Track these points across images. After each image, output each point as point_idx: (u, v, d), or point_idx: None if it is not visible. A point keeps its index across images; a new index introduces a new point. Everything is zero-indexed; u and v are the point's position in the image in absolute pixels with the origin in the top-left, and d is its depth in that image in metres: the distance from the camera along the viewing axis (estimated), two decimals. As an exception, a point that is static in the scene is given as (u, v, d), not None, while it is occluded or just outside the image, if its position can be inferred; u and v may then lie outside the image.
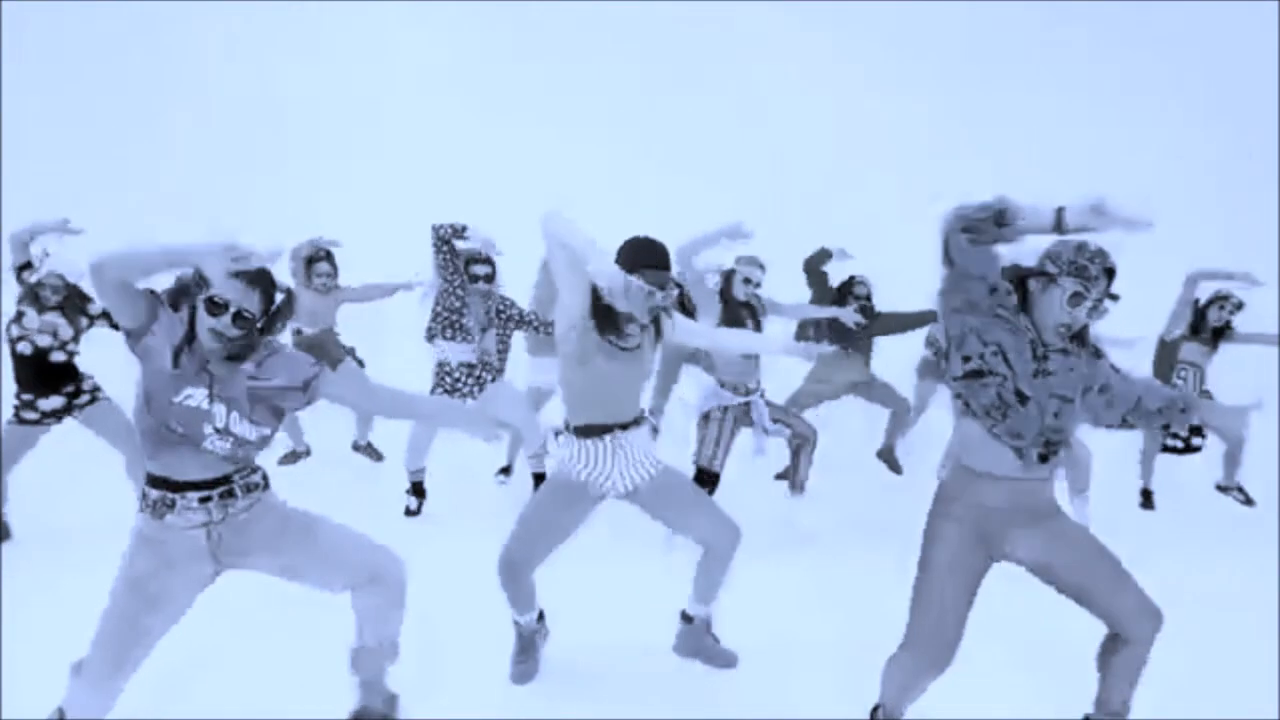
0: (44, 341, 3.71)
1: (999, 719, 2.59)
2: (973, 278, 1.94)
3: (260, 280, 1.95)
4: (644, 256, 2.39)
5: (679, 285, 2.52)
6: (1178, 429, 4.81)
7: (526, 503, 2.65)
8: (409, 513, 4.49)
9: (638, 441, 2.60)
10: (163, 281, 1.97)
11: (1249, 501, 4.99)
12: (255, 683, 2.67)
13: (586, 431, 2.55)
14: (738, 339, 3.13)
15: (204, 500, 1.97)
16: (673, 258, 2.50)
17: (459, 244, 4.25)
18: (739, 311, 4.07)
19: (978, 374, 1.99)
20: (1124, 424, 2.12)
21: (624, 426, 2.57)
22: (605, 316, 2.43)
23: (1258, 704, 2.73)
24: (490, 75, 10.88)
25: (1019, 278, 2.03)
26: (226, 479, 2.01)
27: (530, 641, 2.79)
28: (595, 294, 2.42)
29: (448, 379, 4.33)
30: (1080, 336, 2.05)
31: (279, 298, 2.03)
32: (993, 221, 1.88)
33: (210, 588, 2.10)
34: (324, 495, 4.85)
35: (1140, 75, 10.56)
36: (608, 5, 10.64)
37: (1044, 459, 2.01)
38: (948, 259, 1.96)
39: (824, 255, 4.86)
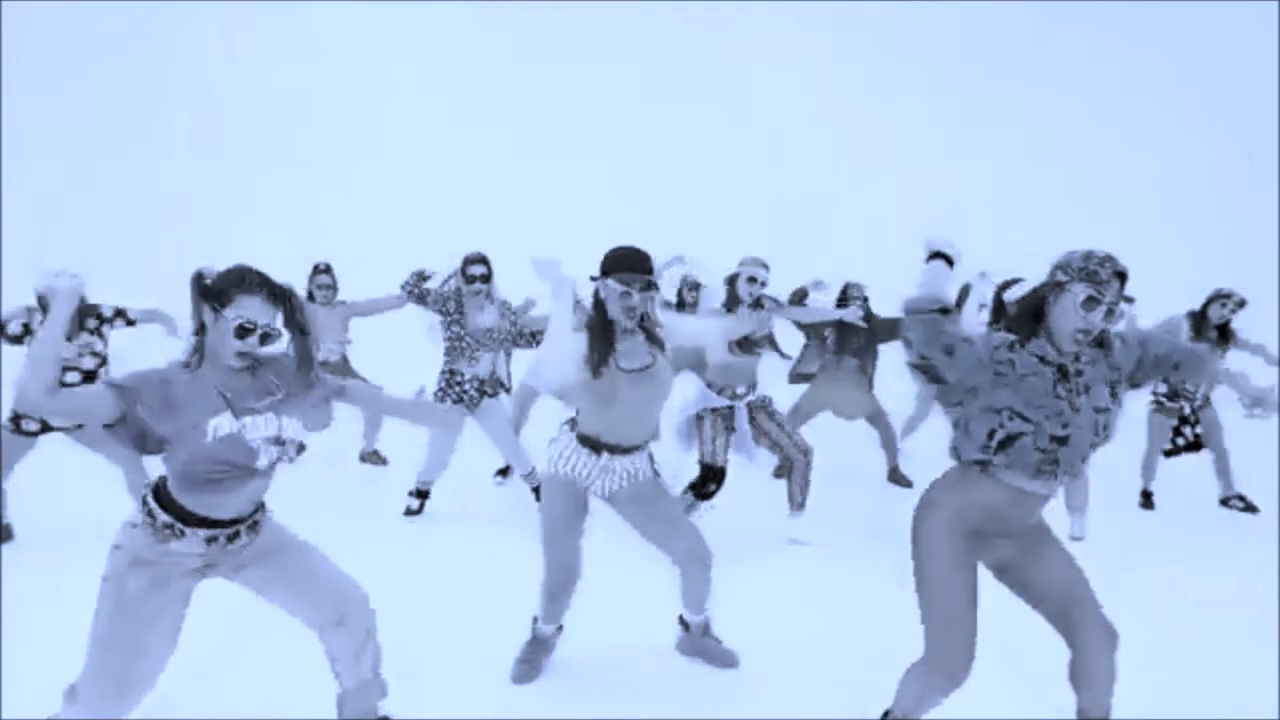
0: (89, 364, 3.80)
1: (996, 718, 2.59)
2: (966, 370, 1.96)
3: (280, 298, 1.94)
4: (617, 261, 2.48)
5: (655, 286, 2.54)
6: (1184, 428, 4.78)
7: (540, 522, 2.66)
8: (409, 513, 4.49)
9: (629, 464, 2.64)
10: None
11: (1251, 508, 4.98)
12: (253, 682, 2.66)
13: (586, 441, 2.60)
14: (718, 326, 3.12)
15: (210, 540, 1.96)
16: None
17: (429, 285, 4.35)
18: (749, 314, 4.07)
19: (1009, 441, 1.96)
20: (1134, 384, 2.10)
21: (625, 451, 2.61)
22: (602, 332, 2.47)
23: (1258, 704, 2.73)
24: (489, 76, 10.89)
25: (1033, 299, 2.02)
26: (237, 521, 1.99)
27: (542, 646, 2.80)
28: (599, 312, 2.49)
29: (456, 388, 4.34)
30: (1099, 342, 2.04)
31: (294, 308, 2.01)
32: (943, 318, 1.94)
33: (208, 589, 2.10)
34: (325, 495, 4.88)
35: (1140, 75, 10.56)
36: (607, 6, 10.65)
37: (1084, 462, 2.03)
38: (938, 378, 2.00)
39: (802, 294, 4.90)
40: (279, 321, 1.94)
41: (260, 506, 2.09)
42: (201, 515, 1.93)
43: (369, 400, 2.27)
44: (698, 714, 2.58)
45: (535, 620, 2.78)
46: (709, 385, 4.12)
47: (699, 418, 4.14)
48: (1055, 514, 2.52)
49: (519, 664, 2.76)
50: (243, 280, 1.90)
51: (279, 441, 1.95)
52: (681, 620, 2.89)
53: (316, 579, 2.13)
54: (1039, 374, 1.96)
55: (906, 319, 1.98)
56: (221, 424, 1.86)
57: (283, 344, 1.99)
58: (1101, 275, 1.92)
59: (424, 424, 2.35)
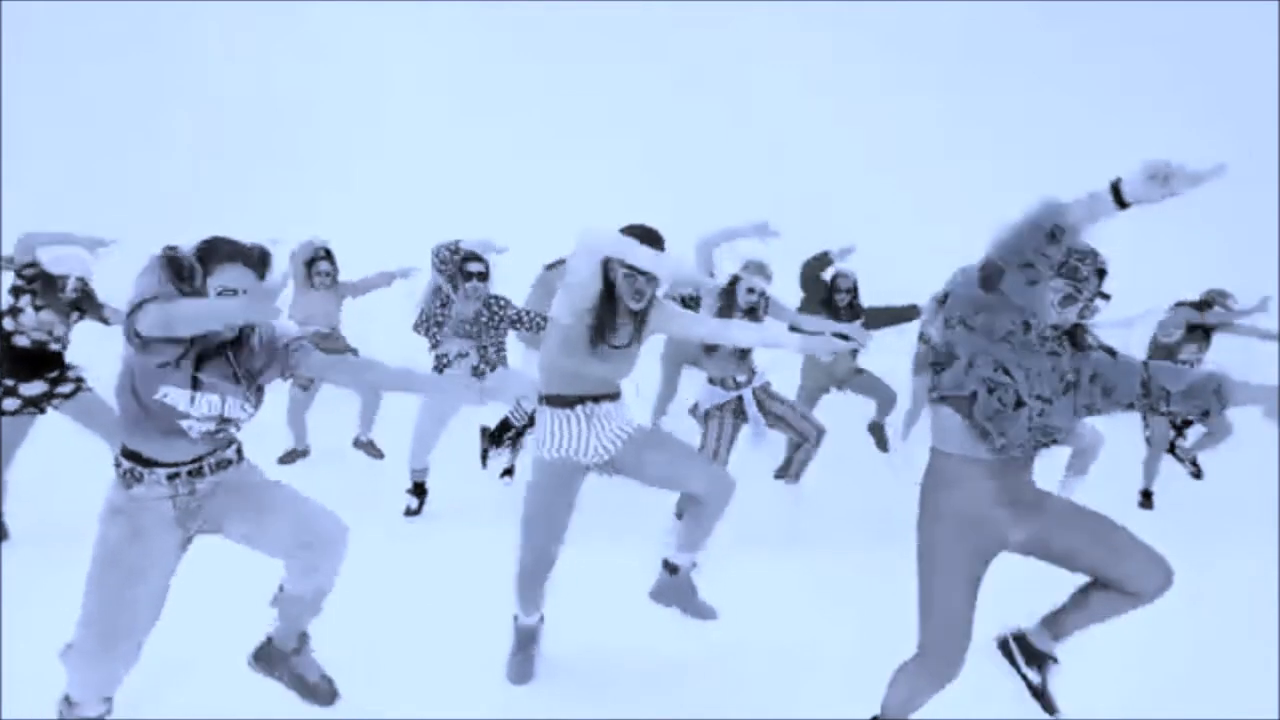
0: (39, 337, 3.77)
1: (992, 719, 2.59)
2: (1013, 309, 1.87)
3: (255, 262, 1.99)
4: None
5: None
6: (1213, 413, 4.85)
7: (523, 504, 2.64)
8: (409, 512, 4.49)
9: (611, 411, 2.62)
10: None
11: (1198, 475, 5.19)
12: (235, 681, 2.66)
13: (558, 401, 2.58)
14: (739, 332, 3.10)
15: (171, 478, 1.99)
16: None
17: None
18: (740, 319, 4.09)
19: (989, 391, 1.94)
20: (1150, 409, 2.01)
21: (597, 399, 2.60)
22: (606, 312, 2.47)
23: (1258, 704, 2.73)
24: (489, 76, 10.88)
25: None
26: (199, 459, 2.03)
27: (529, 641, 2.79)
28: (606, 285, 2.47)
29: (446, 369, 4.42)
30: (1072, 335, 2.02)
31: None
32: (1050, 241, 1.75)
33: (205, 584, 2.10)
34: (324, 495, 4.82)
35: (1140, 75, 10.56)
36: (607, 6, 10.65)
37: (1029, 457, 2.00)
38: (993, 288, 1.85)
39: (824, 261, 4.87)
40: (256, 282, 1.98)
41: (229, 449, 2.11)
42: (149, 458, 1.98)
43: (354, 375, 2.26)
44: (697, 713, 2.58)
45: (515, 618, 2.77)
46: (710, 381, 4.13)
47: (707, 416, 4.15)
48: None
49: (512, 663, 2.75)
50: (218, 251, 1.94)
51: (221, 420, 2.00)
52: (667, 564, 2.81)
53: (293, 508, 2.15)
54: (1043, 348, 1.95)
55: (1039, 209, 1.77)
56: (171, 393, 1.91)
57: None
58: (1083, 272, 1.90)
59: (422, 392, 2.33)
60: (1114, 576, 2.07)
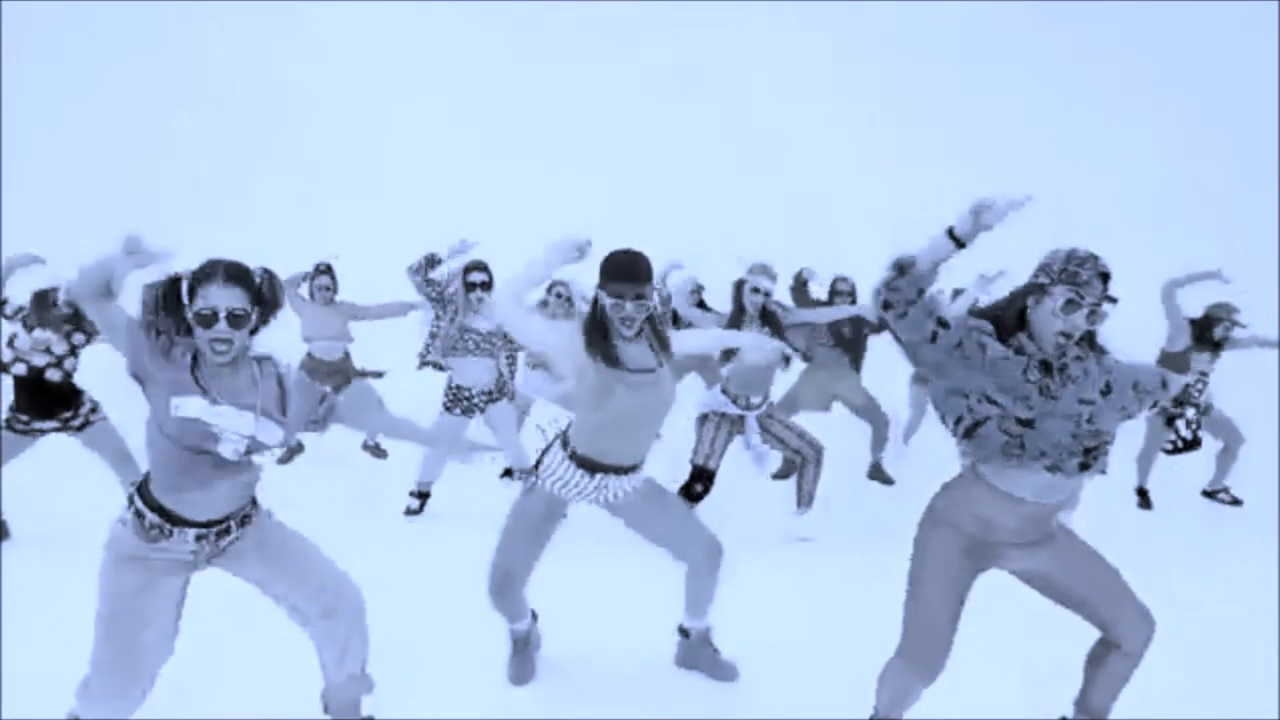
0: (39, 360, 3.68)
1: (996, 718, 2.59)
2: (919, 343, 1.93)
3: (237, 277, 1.89)
4: (608, 272, 2.39)
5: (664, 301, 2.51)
6: (1176, 423, 4.83)
7: (509, 516, 2.63)
8: (409, 512, 4.49)
9: (625, 482, 2.58)
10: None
11: (1236, 502, 5.06)
12: (254, 683, 2.66)
13: (583, 462, 2.51)
14: (744, 335, 3.08)
15: (200, 538, 1.96)
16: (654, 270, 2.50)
17: (436, 274, 4.30)
18: (754, 325, 4.07)
19: (975, 427, 1.96)
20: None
21: (621, 471, 2.54)
22: (599, 334, 2.41)
23: (1258, 704, 2.73)
24: (490, 76, 10.89)
25: (1016, 301, 2.01)
26: (225, 519, 1.99)
27: (525, 644, 2.79)
28: (592, 318, 2.43)
29: (465, 401, 4.36)
30: (1089, 340, 2.03)
31: (261, 281, 1.95)
32: (897, 274, 1.90)
33: (209, 588, 2.10)
34: (324, 494, 4.87)
35: (1140, 76, 10.56)
36: (607, 6, 10.65)
37: (1085, 467, 1.97)
38: (896, 339, 1.98)
39: (803, 281, 4.93)
40: (245, 301, 1.88)
41: (251, 504, 2.07)
42: (180, 516, 1.92)
43: (361, 417, 2.24)
44: (696, 714, 2.58)
45: (509, 628, 2.77)
46: (724, 392, 4.10)
47: (704, 418, 4.13)
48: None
49: (512, 665, 2.76)
50: (202, 270, 1.87)
51: (250, 439, 1.92)
52: (682, 629, 2.86)
53: (310, 571, 2.12)
54: (1010, 360, 1.94)
55: (891, 294, 1.91)
56: (183, 404, 1.84)
57: (253, 322, 1.92)
58: (1083, 276, 1.90)
59: (417, 443, 2.35)
60: (1101, 622, 2.12)
